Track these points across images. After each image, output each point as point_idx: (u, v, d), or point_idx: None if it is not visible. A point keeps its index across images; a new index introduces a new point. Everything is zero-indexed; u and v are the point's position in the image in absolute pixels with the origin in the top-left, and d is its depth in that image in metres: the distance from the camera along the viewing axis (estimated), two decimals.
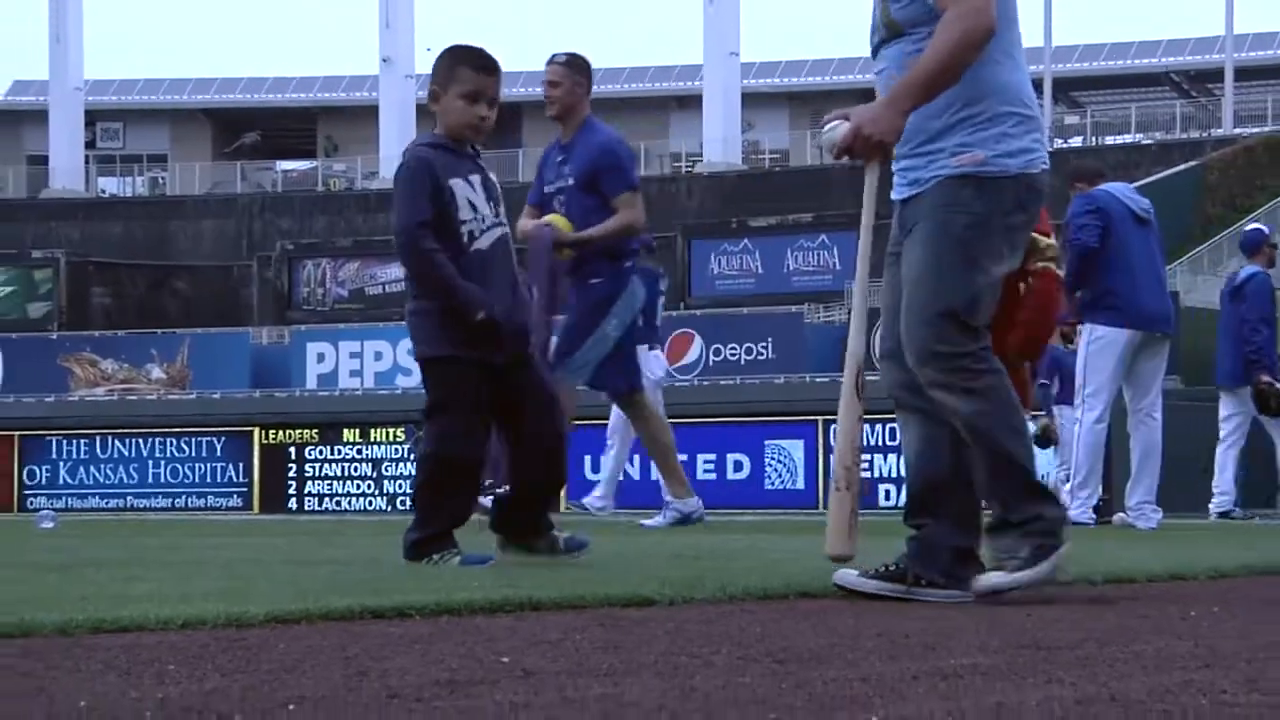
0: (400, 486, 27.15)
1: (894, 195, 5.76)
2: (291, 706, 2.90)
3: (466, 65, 6.69)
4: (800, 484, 26.59)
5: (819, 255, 40.23)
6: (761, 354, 34.52)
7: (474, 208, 6.69)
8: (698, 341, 35.99)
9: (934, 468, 5.56)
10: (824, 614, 4.87)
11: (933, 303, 5.49)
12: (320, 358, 38.28)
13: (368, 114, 61.61)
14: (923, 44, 5.49)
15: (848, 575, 5.42)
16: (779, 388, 31.24)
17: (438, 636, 4.20)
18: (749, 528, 12.85)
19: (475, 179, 6.73)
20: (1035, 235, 6.57)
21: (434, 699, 3.01)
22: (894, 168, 5.76)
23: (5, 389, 39.43)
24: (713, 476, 26.13)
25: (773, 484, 26.18)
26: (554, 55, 11.95)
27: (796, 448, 26.81)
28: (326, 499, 26.56)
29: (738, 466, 26.60)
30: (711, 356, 35.76)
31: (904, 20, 5.57)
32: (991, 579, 5.33)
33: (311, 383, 37.55)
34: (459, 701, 2.98)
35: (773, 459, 26.06)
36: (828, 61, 67.85)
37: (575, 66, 11.85)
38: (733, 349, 35.47)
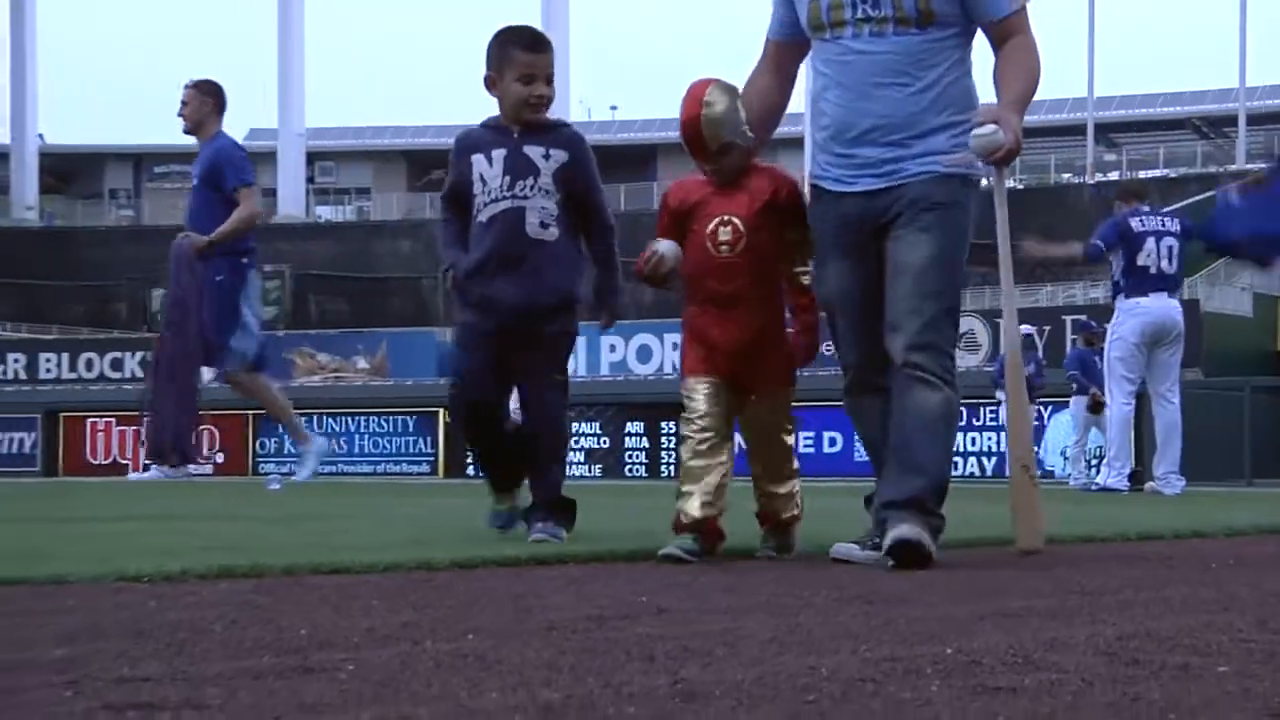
0: None
1: (853, 187, 4.86)
2: (470, 635, 2.90)
3: (518, 48, 5.60)
4: None
5: None
6: None
7: (484, 182, 5.59)
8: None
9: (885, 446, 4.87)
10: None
11: (938, 297, 4.77)
12: None
13: None
14: (939, 43, 4.79)
15: (852, 550, 4.75)
16: None
17: (588, 579, 4.20)
18: (842, 492, 12.84)
19: (499, 154, 5.59)
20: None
21: (586, 630, 3.00)
22: (844, 155, 4.89)
23: None
24: (811, 450, 26.07)
25: (862, 456, 26.02)
26: (188, 81, 11.78)
27: None
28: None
29: (832, 442, 26.55)
30: None
31: (941, 14, 4.79)
32: (913, 530, 4.58)
33: None
34: (607, 633, 2.98)
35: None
36: None
37: (202, 89, 11.51)
38: (828, 346, 35.28)
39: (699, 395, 4.93)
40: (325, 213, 67.43)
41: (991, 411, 24.79)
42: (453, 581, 4.05)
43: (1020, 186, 50.79)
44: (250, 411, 30.18)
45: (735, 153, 4.92)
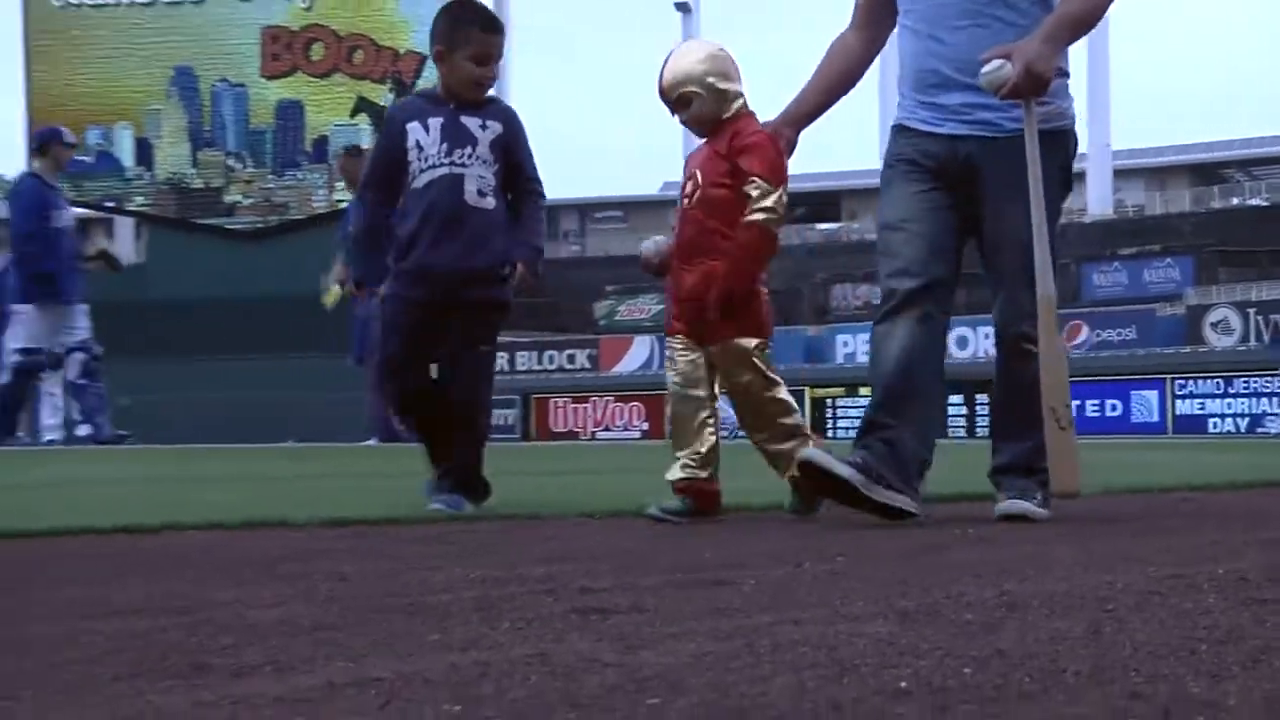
0: None
1: (939, 129, 3.78)
2: (840, 558, 2.88)
3: (475, 27, 4.35)
4: (1155, 418, 25.74)
5: (1165, 271, 37.96)
6: (1128, 335, 32.84)
7: (420, 148, 4.32)
8: (1085, 329, 34.46)
9: (918, 376, 3.78)
10: (1175, 502, 4.59)
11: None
12: (845, 343, 38.11)
13: (872, 194, 61.22)
14: None
15: (824, 456, 3.78)
16: (1140, 357, 29.85)
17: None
18: (1118, 448, 12.36)
19: (435, 122, 4.33)
20: (754, 180, 3.86)
21: (927, 555, 2.95)
22: (928, 103, 3.81)
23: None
24: (1098, 414, 25.36)
25: (1136, 419, 25.29)
26: (349, 149, 11.72)
27: (1153, 395, 25.96)
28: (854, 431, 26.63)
29: (1113, 408, 25.82)
30: (1094, 338, 34.19)
31: None
32: (1020, 506, 3.78)
33: (839, 359, 37.45)
34: (952, 556, 2.92)
35: (1137, 404, 25.16)
36: (1168, 147, 64.04)
37: (358, 156, 11.54)
38: (1110, 332, 33.87)
39: (676, 357, 4.05)
40: None
41: (1244, 382, 23.59)
42: (822, 516, 4.03)
43: (1265, 204, 47.78)
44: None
45: (696, 104, 3.94)
